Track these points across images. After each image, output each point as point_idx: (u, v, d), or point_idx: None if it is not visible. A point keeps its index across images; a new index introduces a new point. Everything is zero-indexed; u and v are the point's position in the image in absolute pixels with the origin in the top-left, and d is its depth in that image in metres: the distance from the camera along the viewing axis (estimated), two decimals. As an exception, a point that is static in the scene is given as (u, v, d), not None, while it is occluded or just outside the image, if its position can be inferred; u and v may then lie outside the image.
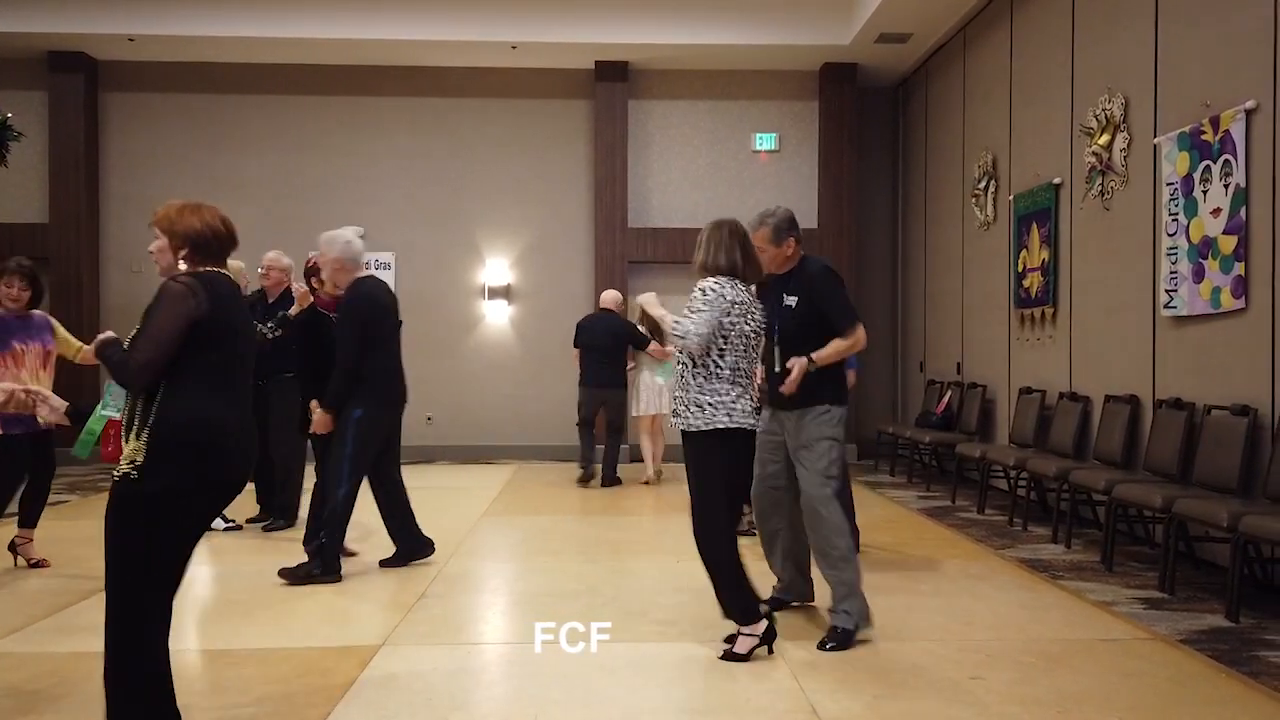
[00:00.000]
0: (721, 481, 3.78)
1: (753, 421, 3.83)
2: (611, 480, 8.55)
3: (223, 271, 2.89)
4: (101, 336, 2.84)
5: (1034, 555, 5.76)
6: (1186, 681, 3.58)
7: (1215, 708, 3.33)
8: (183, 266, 2.84)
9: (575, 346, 8.62)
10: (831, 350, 4.05)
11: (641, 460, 8.88)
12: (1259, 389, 5.01)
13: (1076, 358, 6.98)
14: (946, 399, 8.90)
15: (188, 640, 4.20)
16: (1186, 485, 5.26)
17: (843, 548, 4.00)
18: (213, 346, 2.76)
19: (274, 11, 9.74)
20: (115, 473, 2.68)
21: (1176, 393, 5.65)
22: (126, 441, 2.71)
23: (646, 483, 8.59)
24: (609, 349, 8.44)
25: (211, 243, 2.86)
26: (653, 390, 8.55)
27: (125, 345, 2.76)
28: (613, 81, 10.52)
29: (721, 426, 3.72)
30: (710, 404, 3.74)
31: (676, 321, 3.75)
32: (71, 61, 10.24)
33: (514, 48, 10.09)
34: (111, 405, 3.49)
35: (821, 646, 3.91)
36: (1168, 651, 3.93)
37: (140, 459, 2.63)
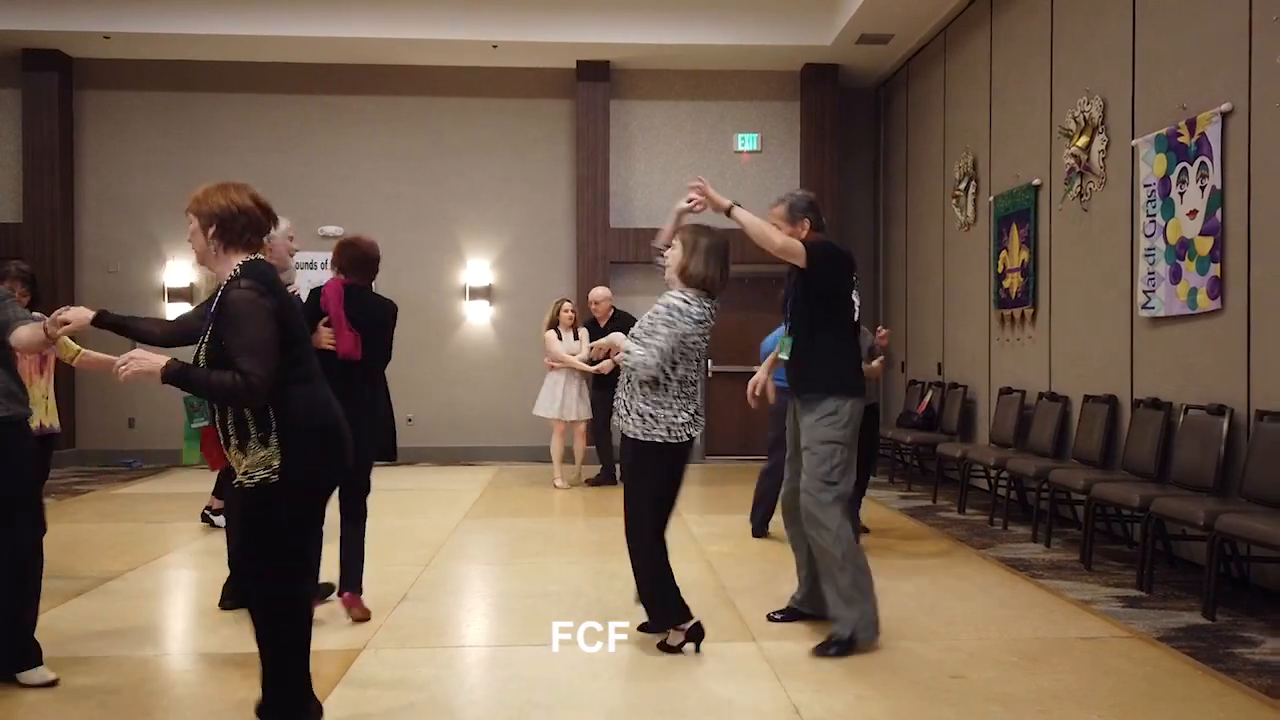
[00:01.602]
0: (651, 488, 3.85)
1: (692, 433, 3.84)
2: (612, 478, 8.46)
3: (259, 257, 2.87)
4: (161, 363, 2.73)
5: (1014, 554, 5.79)
6: (1164, 679, 3.62)
7: (1192, 704, 3.36)
8: (213, 249, 2.83)
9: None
10: (753, 219, 3.85)
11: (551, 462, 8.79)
12: (1234, 389, 5.06)
13: (1056, 358, 7.03)
14: (927, 399, 8.95)
15: (165, 644, 4.16)
16: (1164, 484, 5.31)
17: (839, 555, 3.83)
18: (292, 339, 2.81)
19: (252, 9, 9.65)
20: (244, 482, 2.78)
21: (1154, 393, 5.71)
22: (231, 450, 2.79)
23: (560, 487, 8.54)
24: None
25: (239, 218, 2.82)
26: (575, 394, 8.46)
27: (200, 361, 2.80)
28: (594, 81, 10.51)
29: (659, 441, 3.77)
30: (651, 415, 3.78)
31: (627, 352, 3.77)
32: (46, 59, 10.12)
33: (495, 47, 10.06)
34: (199, 416, 3.74)
35: (817, 652, 3.84)
36: (1146, 649, 3.97)
37: (277, 462, 2.74)
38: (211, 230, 2.81)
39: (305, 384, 2.85)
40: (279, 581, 2.87)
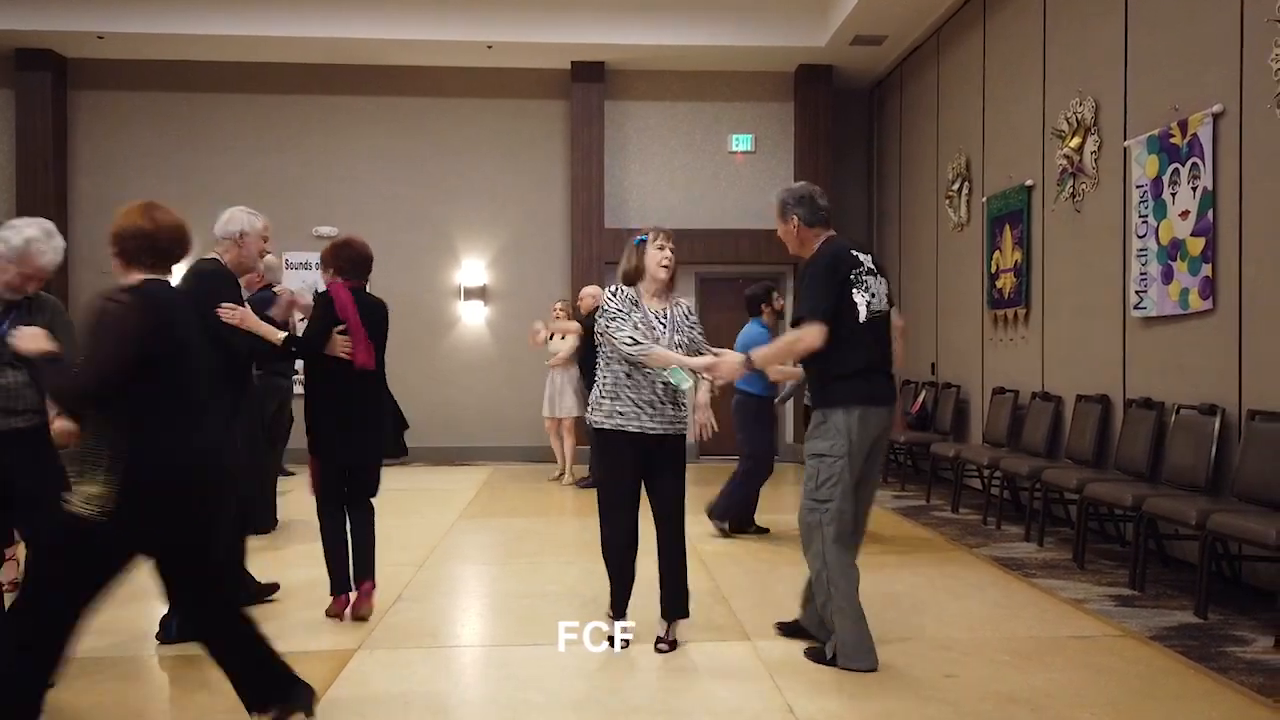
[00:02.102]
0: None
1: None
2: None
3: (163, 279, 2.77)
4: (46, 347, 2.72)
5: (1007, 554, 5.81)
6: (1156, 677, 3.63)
7: (1185, 703, 3.38)
8: (116, 264, 2.78)
9: (587, 345, 8.45)
10: (771, 350, 3.86)
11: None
12: (1226, 389, 5.09)
13: (1048, 358, 7.05)
14: (921, 399, 8.97)
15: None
16: (1156, 484, 5.34)
17: (822, 578, 3.70)
18: (162, 362, 2.63)
19: (247, 10, 9.64)
20: (69, 500, 2.55)
21: (1146, 392, 5.73)
22: (76, 474, 2.58)
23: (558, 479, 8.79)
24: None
25: (134, 240, 2.72)
26: (566, 392, 8.66)
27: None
28: (589, 82, 10.52)
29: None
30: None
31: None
32: (39, 59, 10.09)
33: (490, 47, 10.06)
34: None
35: (806, 655, 3.84)
36: (1138, 648, 3.99)
37: (109, 506, 2.50)
38: (113, 247, 2.78)
39: (169, 427, 2.62)
40: (36, 612, 2.58)
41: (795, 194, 3.88)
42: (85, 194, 10.43)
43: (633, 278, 3.98)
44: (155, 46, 10.03)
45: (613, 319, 3.86)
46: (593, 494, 8.15)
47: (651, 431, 3.88)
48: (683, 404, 4.02)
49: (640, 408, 3.86)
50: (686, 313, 4.08)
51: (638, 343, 3.79)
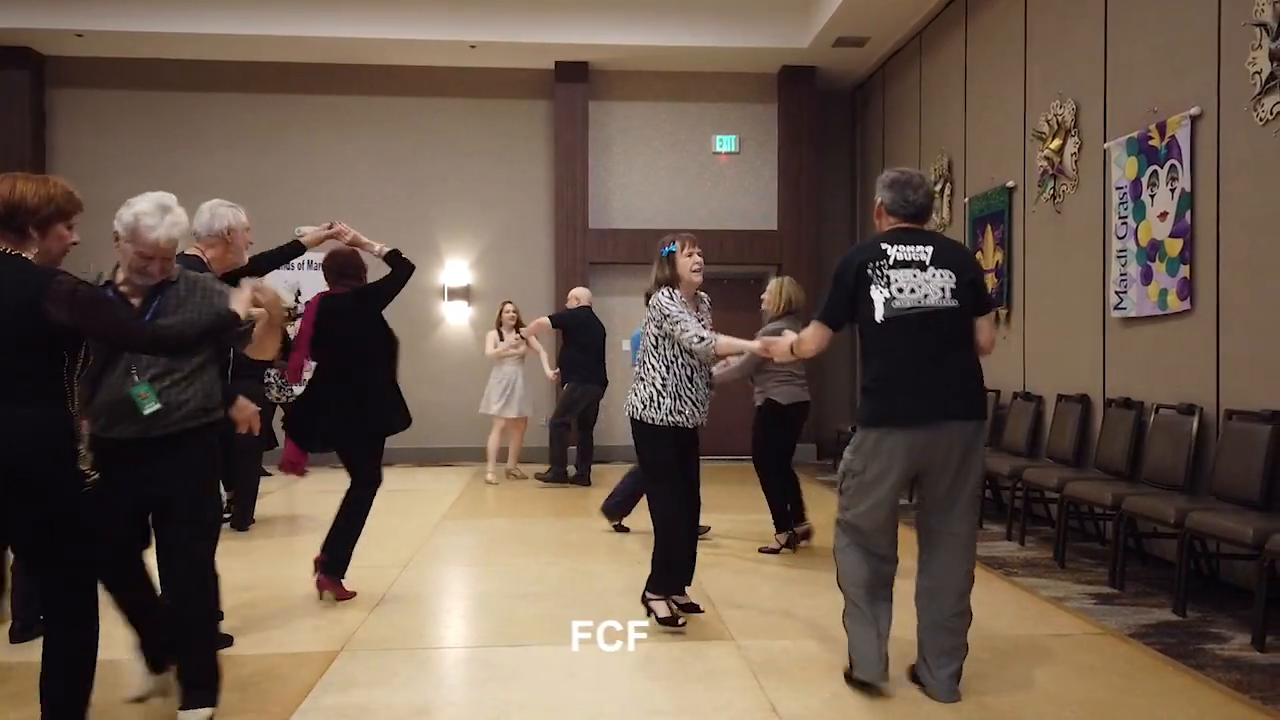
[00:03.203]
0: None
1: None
2: (588, 479, 8.60)
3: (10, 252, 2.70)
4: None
5: (989, 553, 5.85)
6: (1136, 675, 3.67)
7: (1163, 699, 3.41)
8: None
9: (579, 345, 8.54)
10: (780, 345, 3.76)
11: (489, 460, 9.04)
12: (1204, 388, 5.14)
13: (1030, 358, 7.10)
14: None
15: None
16: (1135, 483, 5.38)
17: (839, 581, 3.55)
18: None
19: (228, 8, 9.58)
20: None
21: (1126, 392, 5.78)
22: None
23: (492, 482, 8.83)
24: (603, 346, 8.60)
25: None
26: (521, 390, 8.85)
27: None
28: (573, 82, 10.51)
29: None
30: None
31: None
32: (16, 57, 9.99)
33: (473, 47, 10.04)
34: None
35: None
36: (1118, 646, 4.02)
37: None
38: None
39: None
40: None
41: (887, 178, 3.49)
42: (64, 193, 10.32)
43: (672, 285, 4.22)
44: (135, 45, 9.95)
45: (676, 321, 4.08)
46: (576, 494, 8.21)
47: (694, 425, 4.24)
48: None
49: (696, 405, 4.19)
50: (710, 307, 4.47)
51: (704, 339, 4.02)
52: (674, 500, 4.23)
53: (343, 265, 4.87)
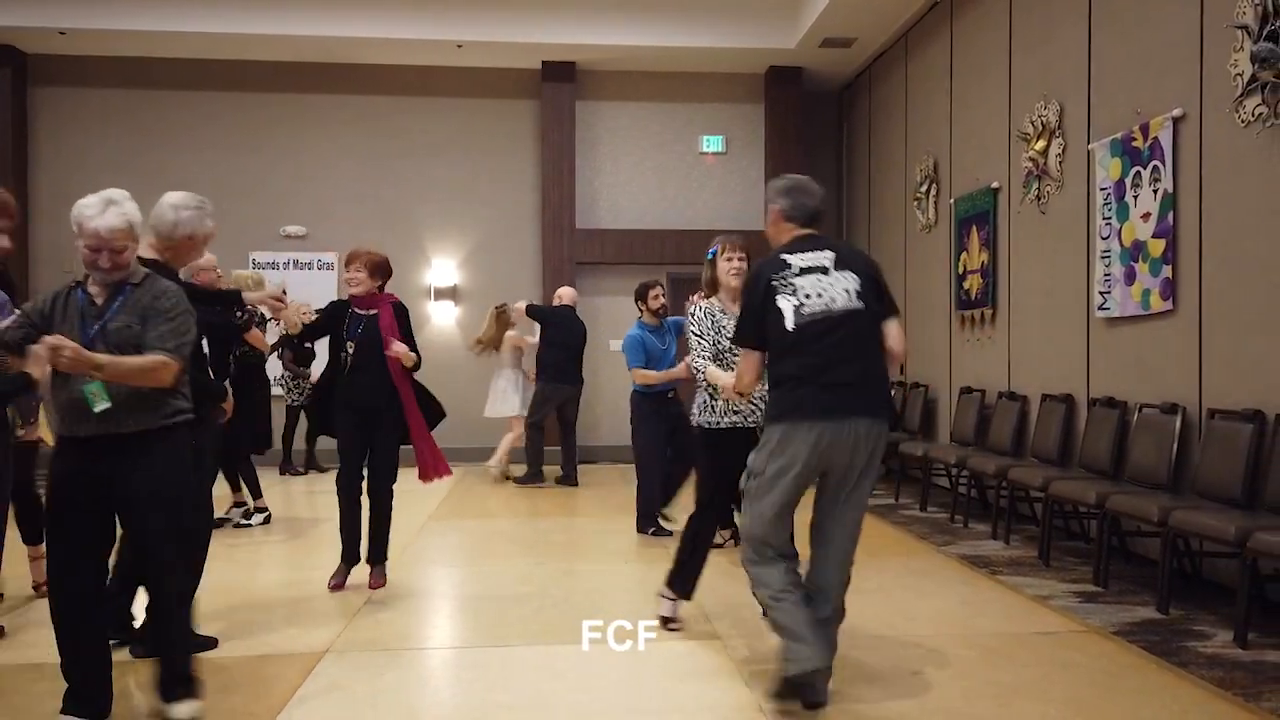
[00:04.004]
0: None
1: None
2: (573, 479, 8.60)
3: None
4: None
5: (974, 551, 5.88)
6: (1119, 672, 3.69)
7: (1146, 696, 3.44)
8: None
9: (552, 343, 8.55)
10: (724, 379, 3.93)
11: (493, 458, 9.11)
12: (1187, 388, 5.18)
13: (1014, 358, 7.14)
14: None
15: (124, 648, 4.10)
16: (1119, 482, 5.42)
17: (761, 599, 3.47)
18: None
19: (213, 6, 9.53)
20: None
21: (1109, 392, 5.82)
22: None
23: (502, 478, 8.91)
24: (581, 347, 8.60)
25: None
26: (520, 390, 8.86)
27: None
28: (560, 82, 10.50)
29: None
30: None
31: None
32: (-1, 55, 9.92)
33: (460, 46, 10.02)
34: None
35: None
36: (1101, 643, 4.05)
37: None
38: None
39: None
40: None
41: (781, 185, 3.60)
42: (46, 193, 10.24)
43: (713, 288, 4.27)
44: (119, 43, 9.89)
45: (691, 344, 4.20)
46: (562, 494, 8.21)
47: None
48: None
49: (754, 404, 4.13)
50: None
51: (698, 368, 4.15)
52: (722, 502, 4.33)
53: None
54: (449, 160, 10.68)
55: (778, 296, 3.31)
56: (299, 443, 9.26)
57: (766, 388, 3.55)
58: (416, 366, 5.05)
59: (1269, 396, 4.58)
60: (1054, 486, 5.49)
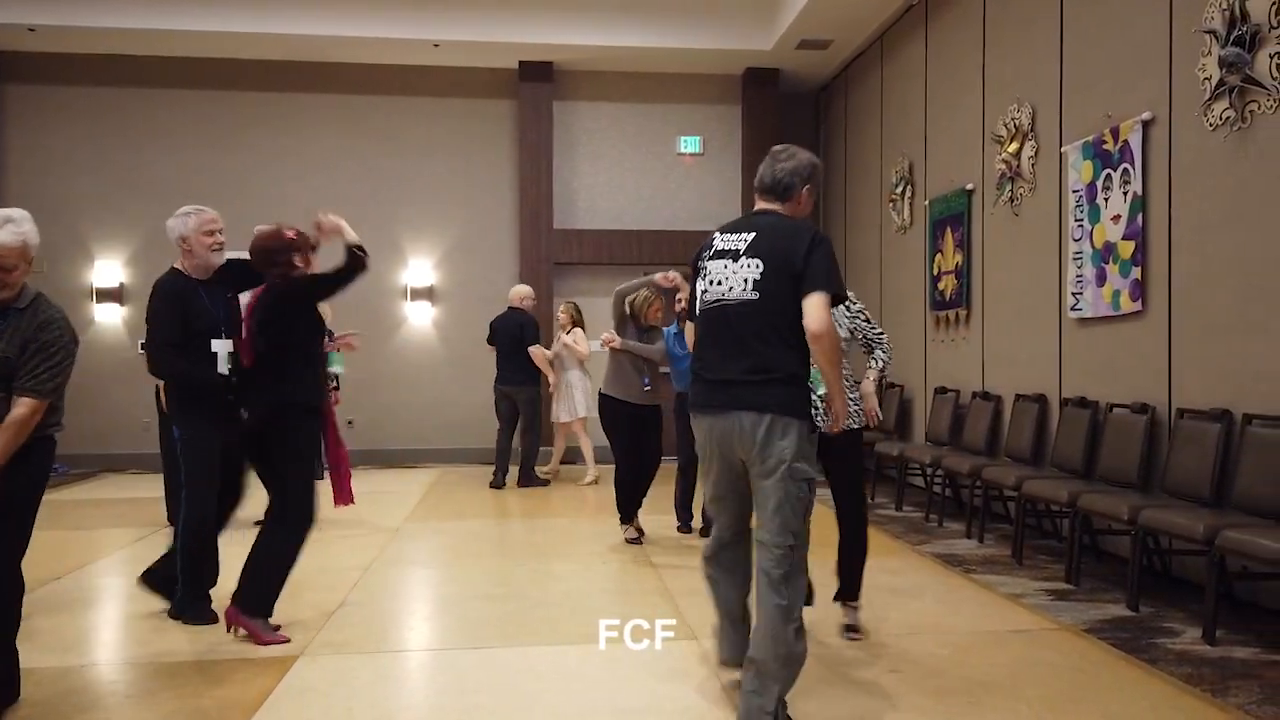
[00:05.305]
0: None
1: None
2: (530, 480, 8.59)
3: None
4: None
5: (949, 550, 5.93)
6: (1090, 669, 3.74)
7: (1117, 692, 3.48)
8: None
9: (489, 344, 8.80)
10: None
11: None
12: (1156, 388, 5.25)
13: (988, 358, 7.20)
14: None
15: (95, 653, 4.06)
16: (1091, 481, 5.48)
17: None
18: None
19: (187, 3, 9.43)
20: None
21: (1081, 392, 5.88)
22: None
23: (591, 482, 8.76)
24: (508, 347, 8.59)
25: None
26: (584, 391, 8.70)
27: None
28: (537, 82, 10.49)
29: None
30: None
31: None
32: (-33, 52, 9.78)
33: (436, 46, 9.98)
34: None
35: None
36: (1073, 641, 4.09)
37: None
38: None
39: None
40: None
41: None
42: (18, 193, 10.07)
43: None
44: (90, 40, 9.77)
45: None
46: (537, 495, 8.20)
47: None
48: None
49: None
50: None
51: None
52: None
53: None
54: (426, 160, 10.63)
55: (697, 277, 3.29)
56: None
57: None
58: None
59: (1237, 396, 4.65)
60: (1027, 486, 5.54)
